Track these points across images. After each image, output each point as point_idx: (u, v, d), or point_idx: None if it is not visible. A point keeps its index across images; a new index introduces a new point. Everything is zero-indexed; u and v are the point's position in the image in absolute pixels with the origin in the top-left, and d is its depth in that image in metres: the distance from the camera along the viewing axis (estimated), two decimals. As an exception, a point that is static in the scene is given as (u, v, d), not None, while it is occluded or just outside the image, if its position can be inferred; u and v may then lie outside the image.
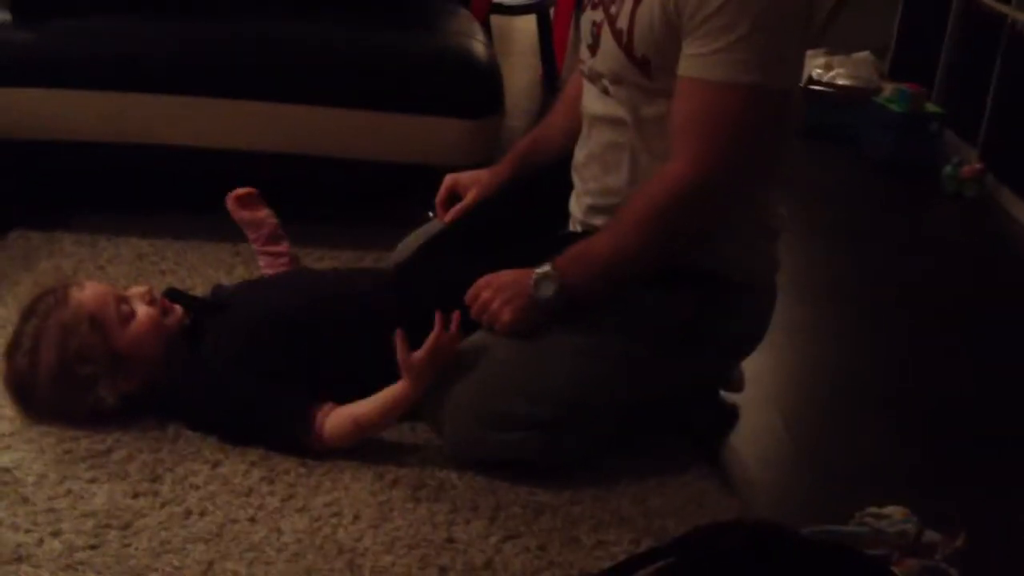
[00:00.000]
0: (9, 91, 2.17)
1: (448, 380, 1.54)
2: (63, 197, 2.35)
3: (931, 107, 3.38)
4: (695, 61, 1.42)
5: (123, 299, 1.58)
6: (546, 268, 1.51)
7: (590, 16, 1.59)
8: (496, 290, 1.53)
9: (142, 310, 1.58)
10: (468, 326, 1.57)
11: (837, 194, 3.15)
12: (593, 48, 1.58)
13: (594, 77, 1.59)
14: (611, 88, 1.55)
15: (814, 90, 3.60)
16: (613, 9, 1.52)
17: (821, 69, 3.70)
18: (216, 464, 1.51)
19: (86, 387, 1.54)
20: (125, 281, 1.98)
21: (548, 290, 1.50)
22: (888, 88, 3.48)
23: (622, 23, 1.50)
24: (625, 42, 1.49)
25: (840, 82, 3.62)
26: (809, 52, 4.01)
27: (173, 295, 1.67)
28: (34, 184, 2.34)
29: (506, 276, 1.54)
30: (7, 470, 1.46)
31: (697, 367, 1.66)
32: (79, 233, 2.21)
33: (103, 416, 1.55)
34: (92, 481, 1.45)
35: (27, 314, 1.57)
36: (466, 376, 1.53)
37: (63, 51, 2.19)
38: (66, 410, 1.55)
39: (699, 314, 1.58)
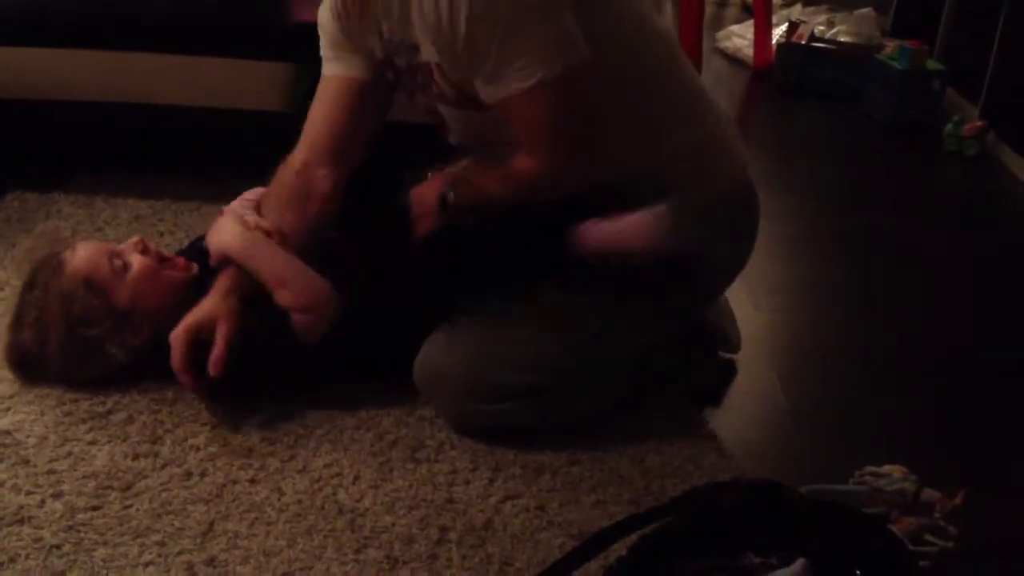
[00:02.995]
0: (7, 50, 2.15)
1: (438, 355, 1.55)
2: (61, 158, 2.33)
3: (933, 64, 3.35)
4: (487, 88, 1.46)
5: (116, 254, 1.58)
6: (450, 193, 1.56)
7: None
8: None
9: (136, 260, 1.57)
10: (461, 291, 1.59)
11: (838, 152, 3.14)
12: None
13: None
14: None
15: (816, 47, 3.57)
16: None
17: (823, 26, 3.67)
18: (216, 425, 1.51)
19: (95, 348, 1.55)
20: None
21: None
22: (890, 45, 3.45)
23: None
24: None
25: (842, 39, 3.59)
26: (811, 9, 3.99)
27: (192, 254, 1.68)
28: (31, 144, 2.33)
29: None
30: (8, 432, 1.46)
31: (689, 298, 1.67)
32: (76, 194, 2.21)
33: (116, 373, 1.56)
34: (93, 443, 1.46)
35: (27, 287, 1.57)
36: (455, 350, 1.54)
37: (62, 9, 2.15)
38: (79, 374, 1.56)
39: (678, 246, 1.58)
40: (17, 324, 1.55)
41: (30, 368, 1.56)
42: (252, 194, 1.68)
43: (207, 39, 2.16)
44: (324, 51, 1.62)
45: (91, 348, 1.54)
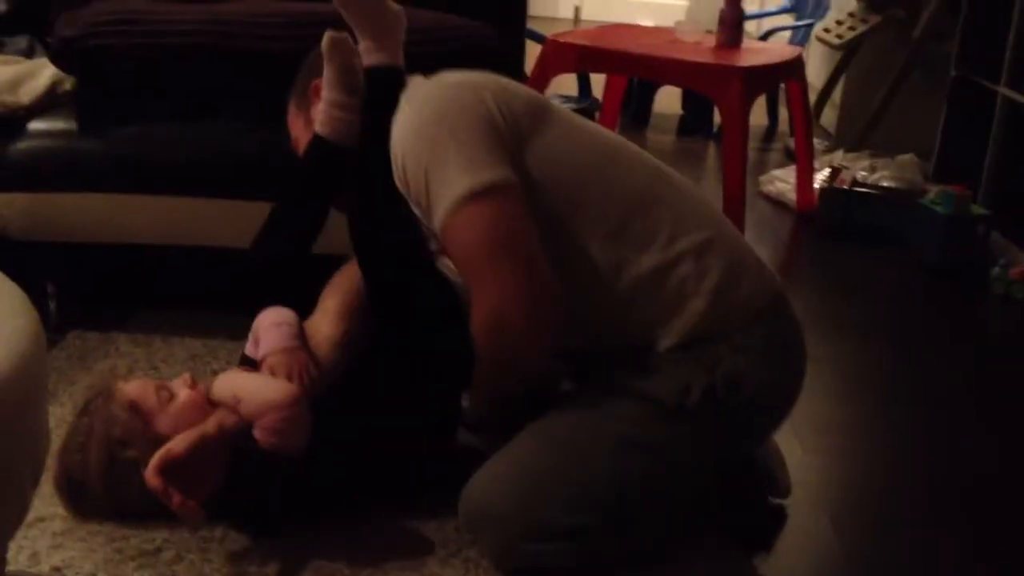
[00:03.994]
0: (73, 196, 2.24)
1: (485, 491, 1.55)
2: (121, 298, 2.40)
3: (977, 209, 3.37)
4: (434, 227, 1.51)
5: (163, 387, 1.62)
6: None
7: None
8: None
9: (183, 393, 1.61)
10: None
11: (885, 296, 3.14)
12: None
13: None
14: None
15: (859, 192, 3.61)
16: None
17: (865, 171, 3.72)
18: (264, 564, 1.51)
19: (133, 472, 1.55)
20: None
21: None
22: (933, 190, 3.49)
23: None
24: None
25: (885, 184, 3.64)
26: (853, 154, 4.05)
27: None
28: (92, 285, 2.40)
29: None
30: (58, 569, 1.47)
31: (739, 428, 1.62)
32: (135, 333, 2.26)
33: (163, 508, 1.56)
34: (141, 581, 1.46)
35: (79, 414, 1.62)
36: (503, 487, 1.54)
37: (127, 159, 2.25)
38: (121, 502, 1.57)
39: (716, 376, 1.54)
40: (65, 448, 1.59)
41: (75, 493, 1.58)
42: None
43: (261, 184, 2.24)
44: None
45: (128, 472, 1.55)
